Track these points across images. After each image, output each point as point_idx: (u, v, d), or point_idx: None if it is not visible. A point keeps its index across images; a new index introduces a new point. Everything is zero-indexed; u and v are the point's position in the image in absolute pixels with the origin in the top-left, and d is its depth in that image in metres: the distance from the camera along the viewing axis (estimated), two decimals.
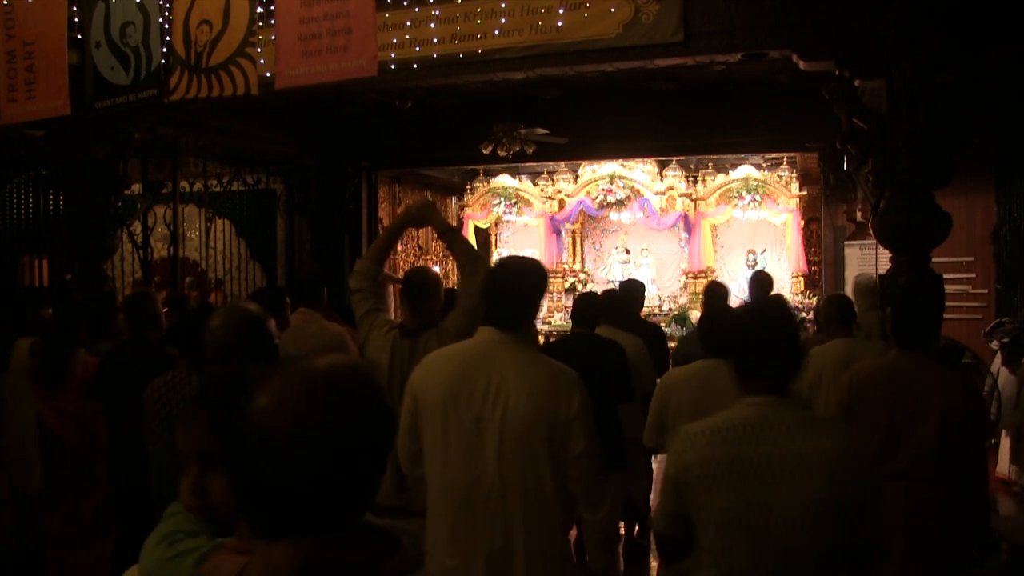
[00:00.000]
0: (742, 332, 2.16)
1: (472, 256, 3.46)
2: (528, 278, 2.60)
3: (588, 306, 4.75)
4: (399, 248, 11.21)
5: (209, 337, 2.28)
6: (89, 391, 4.21)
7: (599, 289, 8.61)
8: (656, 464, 5.64)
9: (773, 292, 6.32)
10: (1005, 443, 6.97)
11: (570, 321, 5.65)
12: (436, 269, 10.58)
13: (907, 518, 3.06)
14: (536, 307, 2.65)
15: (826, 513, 1.94)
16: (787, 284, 10.50)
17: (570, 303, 10.55)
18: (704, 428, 2.09)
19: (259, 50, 5.64)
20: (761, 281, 6.19)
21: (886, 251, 5.41)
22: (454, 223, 12.73)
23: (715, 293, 5.82)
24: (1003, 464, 7.01)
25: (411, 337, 3.41)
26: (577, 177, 11.26)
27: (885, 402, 3.15)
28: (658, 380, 4.63)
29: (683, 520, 2.09)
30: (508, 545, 2.42)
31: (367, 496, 1.07)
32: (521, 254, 11.73)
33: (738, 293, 10.89)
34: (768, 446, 1.98)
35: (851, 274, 9.09)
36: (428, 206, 3.70)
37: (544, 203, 11.42)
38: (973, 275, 8.66)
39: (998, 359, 7.26)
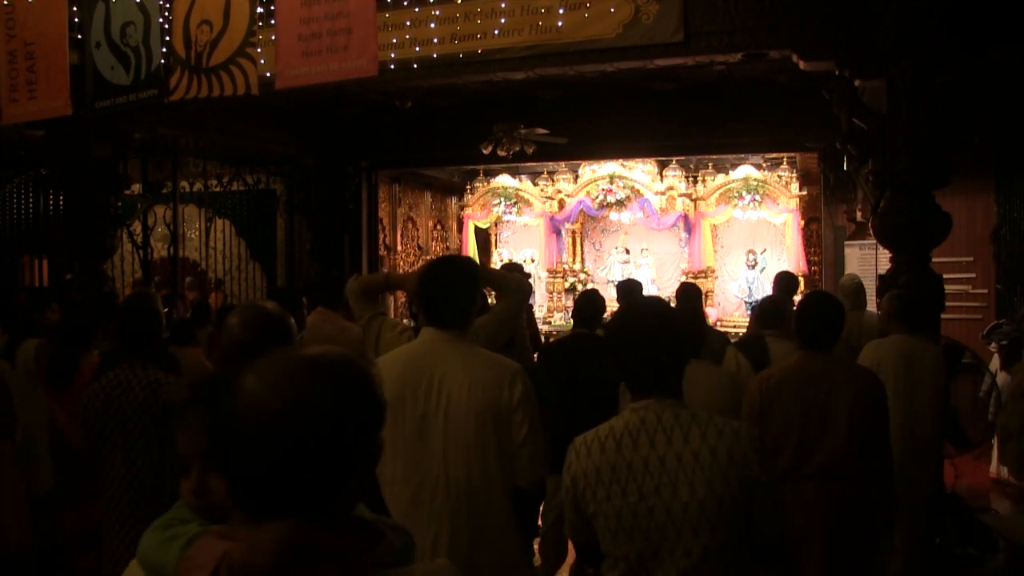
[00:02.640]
0: (617, 338, 2.15)
1: (505, 283, 3.44)
2: (458, 277, 2.64)
3: (589, 305, 4.72)
4: (399, 248, 11.21)
5: (227, 335, 2.26)
6: None
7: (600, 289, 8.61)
8: None
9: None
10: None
11: (571, 321, 5.64)
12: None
13: (825, 517, 3.12)
14: (472, 303, 2.66)
15: (714, 512, 1.93)
16: (798, 285, 10.49)
17: (570, 303, 10.56)
18: (589, 438, 2.09)
19: (259, 50, 5.64)
20: (785, 282, 6.14)
21: (886, 251, 5.41)
22: (453, 223, 12.75)
23: (688, 294, 5.81)
24: (996, 465, 7.02)
25: None
26: (577, 177, 11.25)
27: (797, 404, 3.18)
28: None
29: (583, 527, 2.09)
30: (456, 541, 2.44)
31: (354, 485, 1.08)
32: (519, 254, 11.78)
33: (738, 293, 10.91)
34: (647, 450, 1.98)
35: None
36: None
37: (544, 203, 11.41)
38: (973, 275, 8.66)
39: (997, 359, 7.27)
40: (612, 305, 6.99)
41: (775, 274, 6.58)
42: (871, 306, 6.17)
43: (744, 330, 7.20)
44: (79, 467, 4.18)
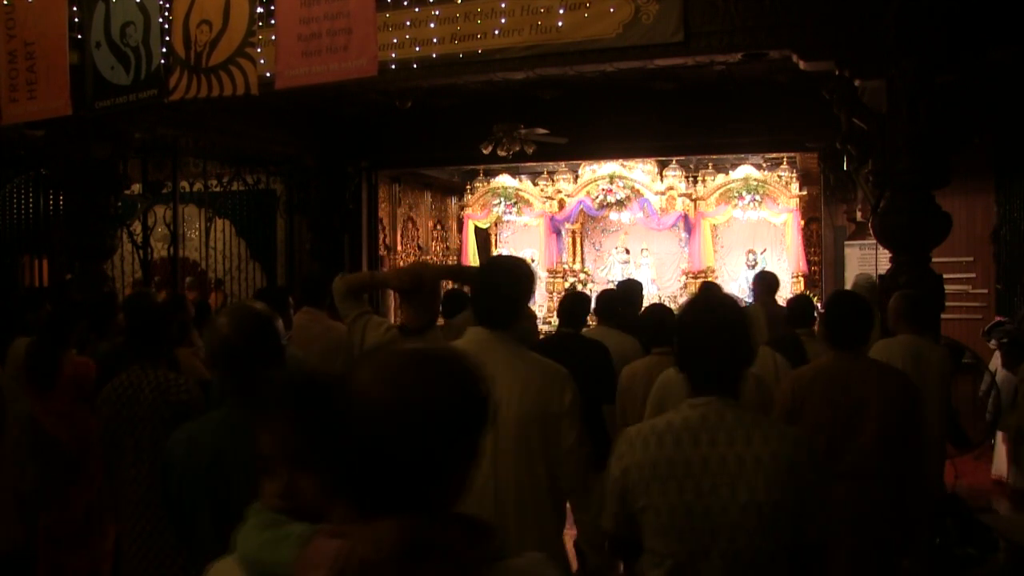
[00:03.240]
0: (685, 331, 2.12)
1: None
2: (515, 278, 2.61)
3: (572, 305, 4.75)
4: (399, 248, 11.21)
5: (216, 336, 2.27)
6: (80, 391, 4.20)
7: (599, 289, 8.61)
8: None
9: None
10: (1002, 444, 6.96)
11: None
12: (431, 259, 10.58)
13: (853, 517, 3.10)
14: (523, 306, 2.66)
15: (769, 515, 1.91)
16: (787, 284, 10.50)
17: None
18: (644, 430, 2.07)
19: (259, 50, 5.64)
20: (767, 282, 6.14)
21: (886, 251, 5.41)
22: (453, 223, 12.75)
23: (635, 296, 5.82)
24: (999, 465, 7.00)
25: (414, 336, 3.41)
26: (577, 177, 11.25)
27: (828, 405, 3.17)
28: (658, 378, 4.62)
29: (629, 520, 2.07)
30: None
31: (458, 482, 1.11)
32: (519, 254, 11.77)
33: (738, 293, 10.90)
34: (707, 448, 1.96)
35: (851, 274, 9.08)
36: (423, 266, 3.72)
37: (544, 203, 11.42)
38: (973, 275, 8.66)
39: (996, 358, 7.26)
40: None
41: (754, 275, 6.58)
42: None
43: None
44: (63, 466, 4.18)
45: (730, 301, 2.35)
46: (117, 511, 3.25)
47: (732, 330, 2.05)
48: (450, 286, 6.77)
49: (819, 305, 5.83)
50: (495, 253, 12.16)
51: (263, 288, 8.96)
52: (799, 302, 5.15)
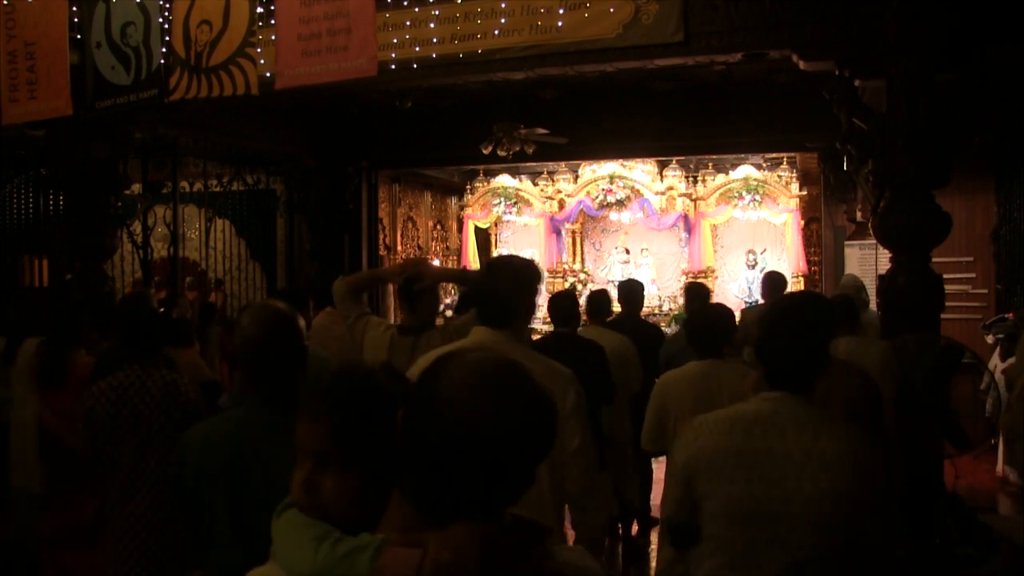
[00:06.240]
0: (767, 326, 2.14)
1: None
2: (518, 276, 2.58)
3: (563, 303, 4.75)
4: (399, 248, 11.21)
5: (240, 334, 2.25)
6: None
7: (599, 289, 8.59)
8: (656, 466, 5.63)
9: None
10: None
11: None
12: (436, 262, 10.58)
13: None
14: (526, 305, 2.61)
15: (830, 511, 1.94)
16: (787, 284, 10.50)
17: None
18: (713, 418, 2.11)
19: (259, 50, 5.64)
20: (774, 281, 6.15)
21: (886, 251, 5.41)
22: (453, 223, 12.75)
23: (698, 294, 5.82)
24: (1002, 463, 7.01)
25: (411, 335, 3.41)
26: (577, 177, 11.26)
27: (692, 406, 3.32)
28: (656, 381, 4.62)
29: (690, 506, 2.10)
30: None
31: (524, 489, 1.11)
32: (519, 254, 11.77)
33: (738, 293, 10.90)
34: (775, 440, 1.99)
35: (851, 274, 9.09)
36: (423, 262, 3.76)
37: (544, 203, 11.42)
38: (973, 275, 8.66)
39: (996, 355, 7.26)
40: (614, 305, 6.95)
41: (763, 275, 6.59)
42: (870, 307, 6.16)
43: None
44: (71, 466, 4.17)
45: (814, 301, 2.37)
46: (118, 510, 3.24)
47: (810, 329, 2.08)
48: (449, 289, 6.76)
49: None
50: (496, 253, 12.16)
51: (282, 288, 8.98)
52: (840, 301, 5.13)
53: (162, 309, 6.89)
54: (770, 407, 2.04)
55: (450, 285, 8.66)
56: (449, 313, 8.72)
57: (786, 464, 1.97)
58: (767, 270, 6.90)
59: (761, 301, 7.79)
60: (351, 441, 1.33)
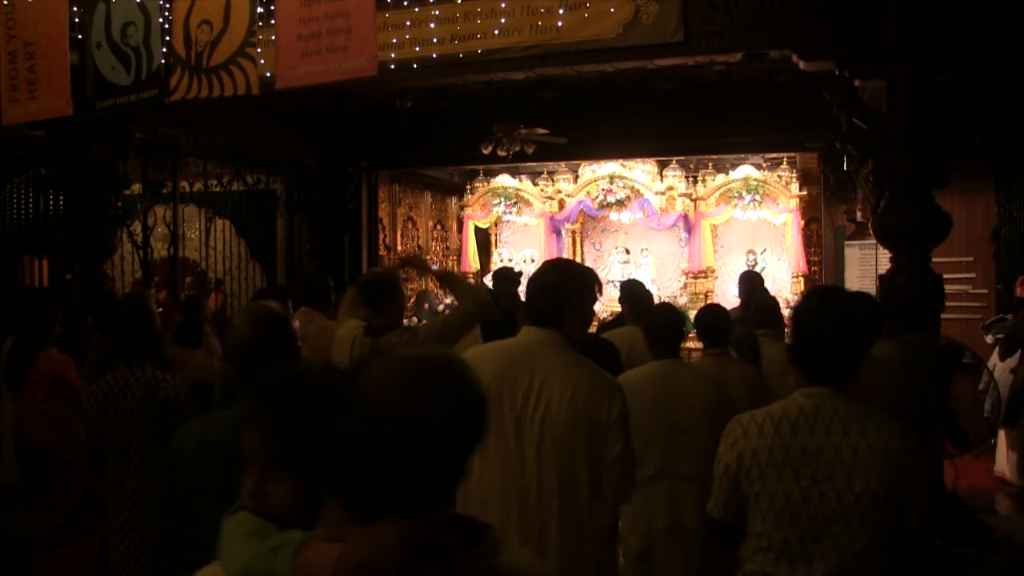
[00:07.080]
0: (801, 322, 2.14)
1: (472, 295, 3.57)
2: (565, 277, 2.56)
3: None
4: (399, 248, 11.21)
5: (233, 336, 2.26)
6: (58, 388, 4.17)
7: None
8: None
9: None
10: (1003, 442, 6.96)
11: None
12: (435, 267, 10.58)
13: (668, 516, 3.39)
14: (575, 307, 2.56)
15: (881, 505, 1.96)
16: (787, 284, 10.50)
17: None
18: (759, 417, 2.11)
19: (259, 50, 5.64)
20: (751, 281, 6.17)
21: (886, 251, 5.41)
22: (453, 223, 12.75)
23: (753, 283, 5.86)
24: (1000, 463, 7.01)
25: (373, 336, 3.43)
26: (577, 177, 11.25)
27: (651, 407, 3.35)
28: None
29: (736, 506, 2.11)
30: (543, 548, 2.38)
31: (456, 485, 1.11)
32: (519, 254, 11.78)
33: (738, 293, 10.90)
34: (822, 437, 2.01)
35: (851, 274, 9.10)
36: (417, 258, 3.81)
37: (544, 203, 11.41)
38: (973, 275, 8.66)
39: (995, 355, 7.26)
40: (615, 305, 6.97)
41: (740, 275, 6.62)
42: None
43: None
44: (43, 464, 4.15)
45: (849, 296, 2.37)
46: (105, 510, 3.23)
47: (849, 323, 2.08)
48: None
49: None
50: (496, 253, 12.17)
51: (262, 289, 8.97)
52: (765, 303, 5.15)
53: (160, 310, 6.86)
54: (812, 403, 2.05)
55: (446, 291, 8.70)
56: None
57: (834, 460, 1.98)
58: (743, 271, 6.93)
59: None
60: (289, 445, 1.34)
